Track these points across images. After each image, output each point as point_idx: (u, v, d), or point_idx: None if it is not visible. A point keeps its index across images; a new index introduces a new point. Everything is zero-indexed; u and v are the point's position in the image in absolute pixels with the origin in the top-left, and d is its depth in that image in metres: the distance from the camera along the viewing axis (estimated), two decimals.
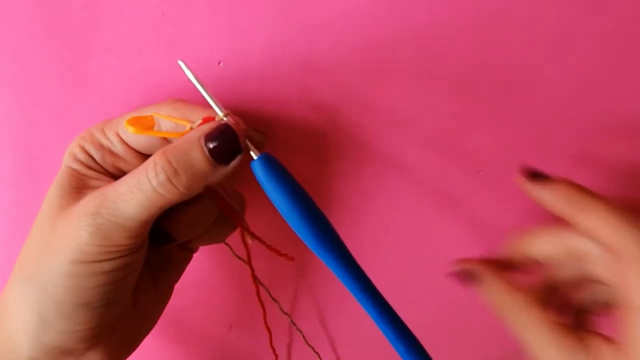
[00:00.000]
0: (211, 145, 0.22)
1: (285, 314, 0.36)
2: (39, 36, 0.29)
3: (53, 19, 0.29)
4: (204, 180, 0.23)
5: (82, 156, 0.26)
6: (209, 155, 0.22)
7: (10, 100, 0.31)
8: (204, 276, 0.37)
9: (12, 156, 0.33)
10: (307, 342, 0.39)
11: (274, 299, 0.37)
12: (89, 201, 0.24)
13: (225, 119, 0.23)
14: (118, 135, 0.26)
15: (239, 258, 0.33)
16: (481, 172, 0.33)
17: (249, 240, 0.30)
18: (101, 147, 0.26)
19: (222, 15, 0.29)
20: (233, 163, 0.23)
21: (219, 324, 0.39)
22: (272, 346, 0.38)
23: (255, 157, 0.24)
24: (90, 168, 0.26)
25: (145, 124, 0.24)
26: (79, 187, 0.25)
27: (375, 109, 0.31)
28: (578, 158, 0.32)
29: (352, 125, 0.31)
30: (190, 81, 0.24)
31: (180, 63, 0.24)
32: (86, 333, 0.24)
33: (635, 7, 0.29)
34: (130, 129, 0.23)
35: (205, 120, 0.24)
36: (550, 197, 0.24)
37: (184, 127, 0.24)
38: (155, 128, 0.26)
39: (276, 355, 0.39)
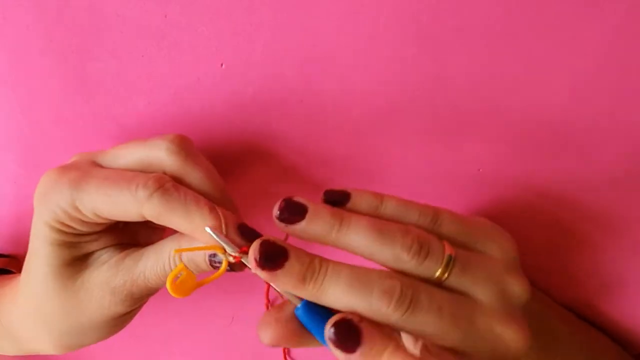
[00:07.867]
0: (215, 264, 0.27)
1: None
2: (42, 38, 0.29)
3: (56, 21, 0.29)
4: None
5: (67, 229, 0.27)
6: (210, 266, 0.26)
7: (14, 102, 0.31)
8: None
9: (15, 156, 0.33)
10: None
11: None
12: (111, 276, 0.27)
13: (241, 256, 0.25)
14: (95, 214, 0.26)
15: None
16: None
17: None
18: (83, 222, 0.26)
19: (224, 17, 0.29)
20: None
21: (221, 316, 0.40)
22: None
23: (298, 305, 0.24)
24: (82, 235, 0.27)
25: (188, 285, 0.24)
26: (78, 253, 0.28)
27: (378, 109, 0.31)
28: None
29: (354, 127, 0.32)
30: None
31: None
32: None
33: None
34: (180, 297, 0.24)
35: (243, 250, 0.25)
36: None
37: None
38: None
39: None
